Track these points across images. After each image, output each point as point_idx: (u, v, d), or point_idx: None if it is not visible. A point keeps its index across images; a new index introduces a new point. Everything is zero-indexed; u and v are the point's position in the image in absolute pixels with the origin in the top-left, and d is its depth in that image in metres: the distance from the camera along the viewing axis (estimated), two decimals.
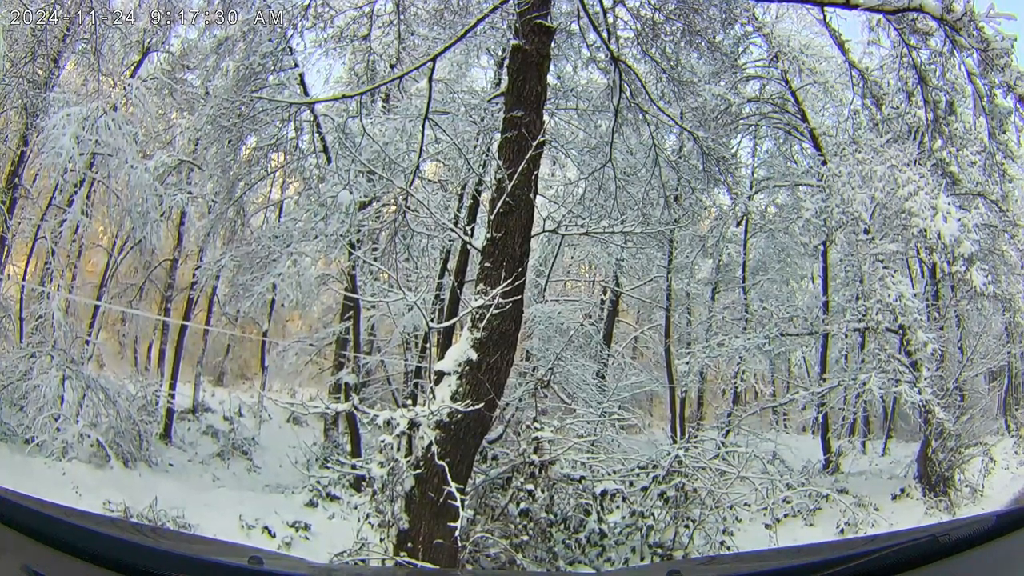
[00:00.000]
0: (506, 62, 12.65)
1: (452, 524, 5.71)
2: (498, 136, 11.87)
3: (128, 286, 16.35)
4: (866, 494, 10.18)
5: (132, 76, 13.22)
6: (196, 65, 13.81)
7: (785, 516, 8.90)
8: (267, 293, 11.93)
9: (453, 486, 5.58)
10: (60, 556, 1.69)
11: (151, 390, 12.83)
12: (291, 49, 10.94)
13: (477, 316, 6.06)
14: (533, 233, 6.42)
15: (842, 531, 9.06)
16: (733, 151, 12.29)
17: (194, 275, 15.01)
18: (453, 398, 6.06)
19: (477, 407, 5.90)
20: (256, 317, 16.58)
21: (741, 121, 13.00)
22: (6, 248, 13.31)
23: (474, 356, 6.12)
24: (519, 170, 6.12)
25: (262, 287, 11.63)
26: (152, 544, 1.92)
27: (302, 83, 12.16)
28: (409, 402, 7.00)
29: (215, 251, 14.18)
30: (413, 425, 6.09)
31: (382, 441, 6.12)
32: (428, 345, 7.86)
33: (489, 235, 6.26)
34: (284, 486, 11.43)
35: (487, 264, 6.25)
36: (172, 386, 14.37)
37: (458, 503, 5.54)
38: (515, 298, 6.07)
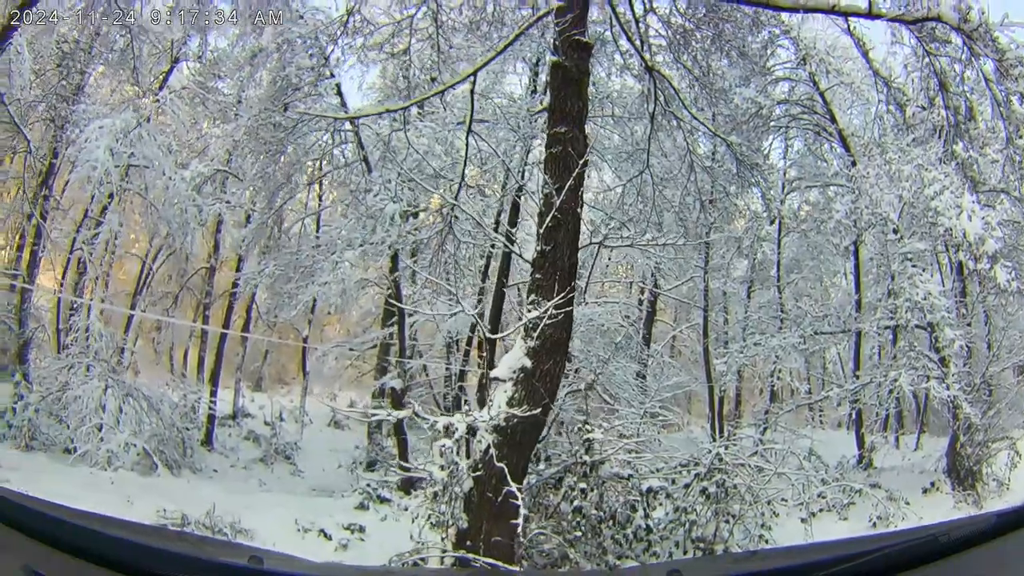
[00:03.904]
0: (540, 67, 13.23)
1: (514, 522, 6.33)
2: (536, 143, 12.49)
3: (164, 294, 17.03)
4: (898, 488, 10.46)
5: (162, 86, 13.83)
6: (227, 74, 14.38)
7: (820, 511, 9.26)
8: (310, 301, 12.56)
9: (514, 486, 6.17)
10: (60, 556, 1.75)
11: (194, 397, 13.53)
12: (327, 59, 11.51)
13: (530, 326, 6.65)
14: (580, 245, 7.01)
15: (874, 524, 9.42)
16: (765, 152, 12.96)
17: (235, 283, 15.54)
18: (509, 403, 6.59)
19: (534, 412, 6.51)
20: (295, 323, 17.04)
21: (771, 123, 13.44)
22: (39, 260, 14.09)
23: (528, 364, 6.66)
24: (567, 186, 6.72)
25: (307, 295, 12.19)
26: (152, 544, 1.95)
27: (339, 93, 12.59)
28: (467, 407, 7.53)
29: (254, 259, 14.87)
30: (471, 429, 6.70)
31: (442, 445, 6.73)
32: (485, 353, 8.42)
33: (539, 248, 6.76)
34: (331, 489, 11.98)
35: (538, 276, 6.77)
36: (213, 393, 14.98)
37: (519, 502, 6.14)
38: (567, 309, 6.66)
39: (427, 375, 16.00)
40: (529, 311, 6.68)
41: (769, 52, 12.21)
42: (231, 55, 14.02)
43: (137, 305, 15.45)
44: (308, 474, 14.26)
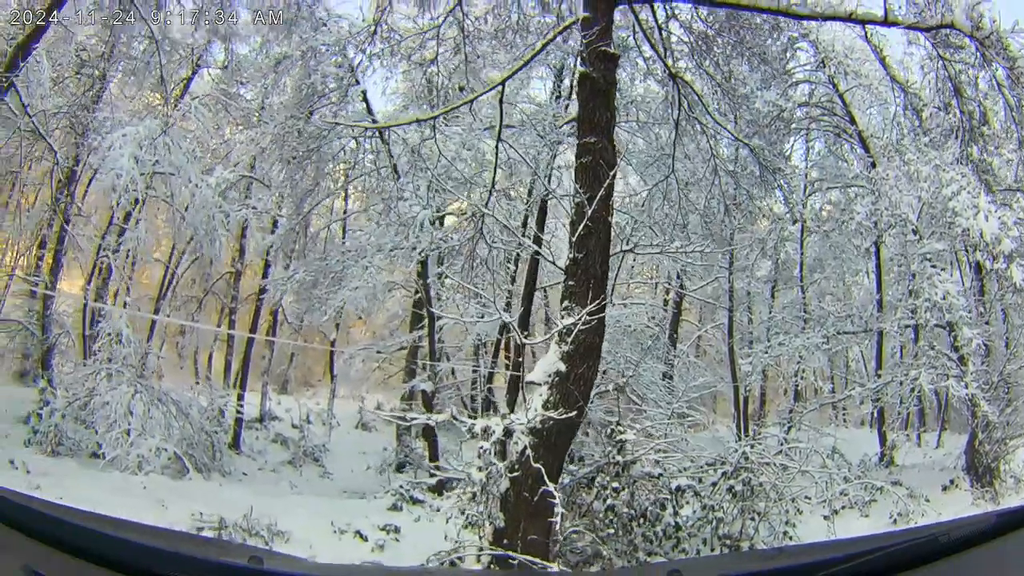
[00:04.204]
0: (564, 73, 13.52)
1: (552, 520, 6.71)
2: (562, 147, 12.82)
3: (188, 298, 17.42)
4: (918, 486, 10.76)
5: (183, 93, 14.25)
6: (249, 79, 14.70)
7: (843, 508, 9.40)
8: (343, 306, 12.90)
9: (551, 486, 6.52)
10: (60, 556, 1.76)
11: (221, 401, 13.93)
12: (352, 67, 11.82)
13: (564, 331, 7.02)
14: (611, 252, 7.36)
15: (895, 521, 9.62)
16: (787, 154, 13.30)
17: (262, 288, 15.86)
18: (545, 406, 6.96)
19: (570, 415, 6.88)
20: (321, 326, 17.21)
21: (792, 126, 13.63)
22: (61, 266, 14.48)
23: (563, 368, 7.01)
24: (598, 196, 7.08)
25: (339, 300, 12.55)
26: (152, 544, 1.98)
27: (365, 99, 12.95)
28: (503, 410, 7.89)
29: (280, 264, 15.25)
30: (508, 432, 7.07)
31: (480, 448, 7.12)
32: (513, 356, 8.74)
33: (572, 255, 7.10)
34: (362, 491, 12.33)
35: (571, 283, 7.09)
36: (240, 397, 15.28)
37: (557, 501, 6.50)
38: (600, 315, 7.03)
39: (455, 377, 16.45)
40: (563, 317, 7.04)
41: (789, 55, 12.55)
42: (254, 61, 14.37)
43: (161, 310, 15.83)
44: (337, 476, 14.61)
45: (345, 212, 18.05)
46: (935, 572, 1.79)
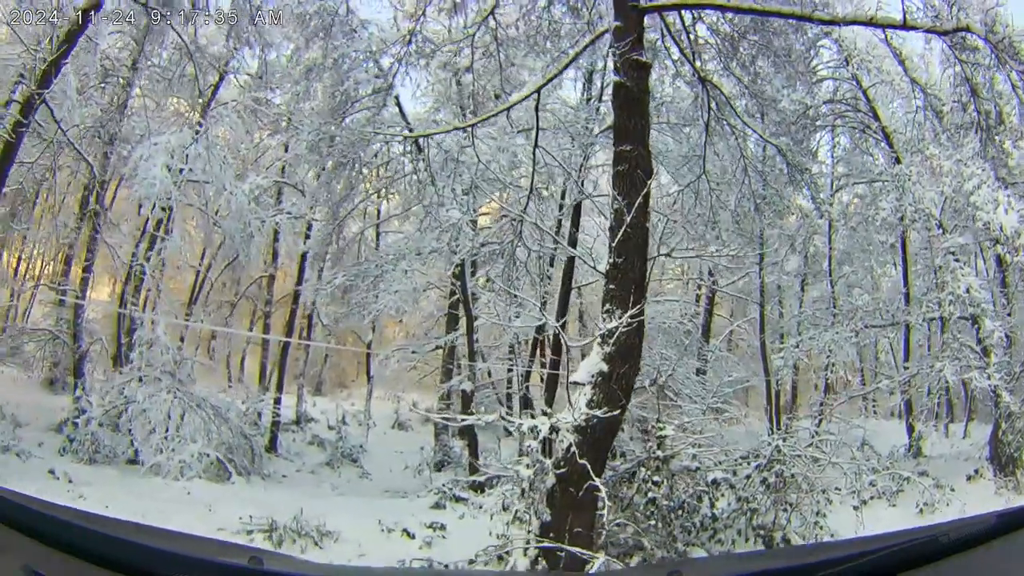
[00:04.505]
0: (594, 75, 13.88)
1: (598, 512, 7.18)
2: (594, 148, 13.17)
3: (221, 303, 17.90)
4: (944, 476, 11.10)
5: (211, 101, 14.50)
6: (277, 84, 14.93)
7: (871, 498, 9.93)
8: (385, 309, 13.34)
9: (598, 481, 7.00)
10: (60, 556, 1.77)
11: (261, 404, 14.36)
12: (382, 70, 12.17)
13: (607, 333, 7.46)
14: (649, 256, 7.77)
15: (920, 511, 10.05)
16: (813, 150, 13.85)
17: (297, 292, 16.39)
18: (589, 405, 7.44)
19: (613, 413, 7.33)
20: (355, 328, 17.83)
21: (818, 123, 14.16)
22: (91, 274, 14.91)
23: (605, 368, 7.41)
24: (636, 204, 7.50)
25: (379, 304, 13.00)
26: (152, 544, 1.99)
27: (398, 104, 13.30)
28: (544, 407, 8.32)
29: (314, 268, 15.71)
30: (554, 430, 7.54)
31: (528, 446, 7.57)
32: (550, 355, 9.14)
33: (612, 260, 7.46)
34: (402, 490, 12.63)
35: (612, 286, 7.46)
36: (277, 401, 15.72)
37: (603, 495, 6.97)
38: (640, 318, 7.46)
39: (490, 377, 16.86)
40: (604, 319, 7.49)
41: (812, 53, 12.91)
42: (281, 66, 14.71)
43: (193, 314, 16.28)
44: (375, 476, 14.94)
45: (379, 216, 18.38)
46: (936, 572, 1.81)
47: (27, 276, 16.87)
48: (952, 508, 9.77)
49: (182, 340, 15.54)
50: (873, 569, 1.80)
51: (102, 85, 14.17)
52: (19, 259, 16.78)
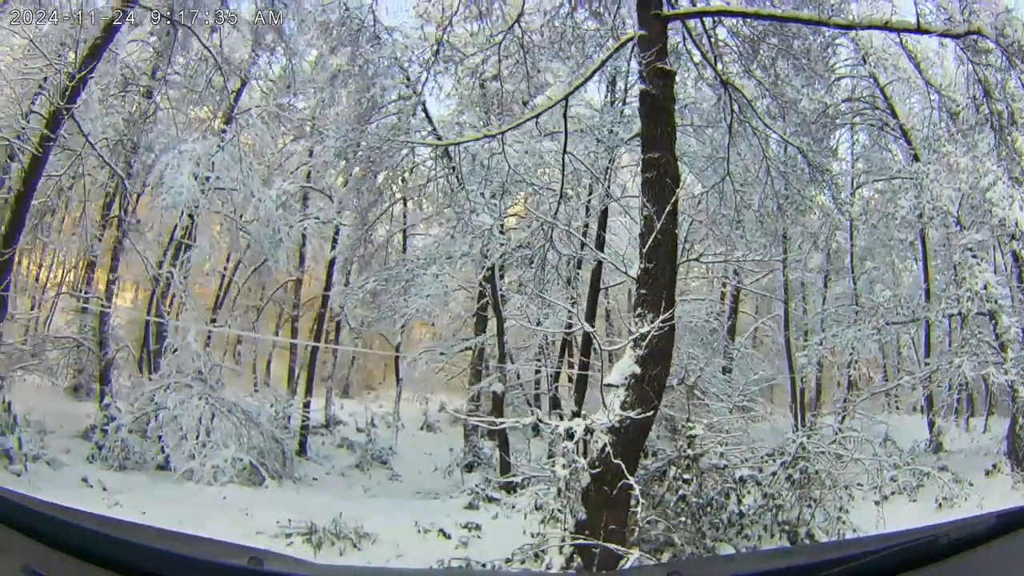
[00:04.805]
0: (617, 77, 14.24)
1: (632, 510, 7.59)
2: (619, 150, 13.52)
3: (247, 308, 18.27)
4: (963, 470, 11.32)
5: (233, 107, 14.74)
6: (300, 90, 15.28)
7: (892, 493, 10.31)
8: (416, 314, 13.76)
9: (632, 480, 7.40)
10: (60, 556, 1.79)
11: (290, 408, 14.76)
12: (410, 79, 12.52)
13: (639, 337, 7.87)
14: (679, 261, 8.16)
15: (940, 505, 10.40)
16: (833, 147, 14.18)
17: (325, 296, 16.69)
18: (622, 407, 7.85)
19: (646, 414, 7.74)
20: (383, 331, 18.16)
21: (838, 121, 14.39)
22: (116, 281, 15.33)
23: (638, 371, 7.76)
24: (665, 212, 7.90)
25: (411, 309, 13.44)
26: (152, 544, 2.01)
27: (425, 110, 13.55)
28: (574, 407, 8.72)
29: (343, 273, 16.10)
30: (588, 431, 7.96)
31: (564, 446, 7.99)
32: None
33: (643, 265, 7.79)
34: (434, 492, 12.94)
35: (643, 291, 7.76)
36: (307, 405, 16.06)
37: (637, 493, 7.38)
38: (671, 322, 7.87)
39: (519, 378, 17.13)
40: (636, 323, 7.89)
41: (830, 52, 13.26)
42: (305, 72, 15.02)
43: (219, 319, 16.71)
44: (405, 478, 15.28)
45: (405, 220, 18.69)
46: (936, 572, 1.83)
47: (47, 284, 17.27)
48: (970, 503, 10.10)
49: (207, 345, 15.88)
50: (873, 569, 1.83)
51: (122, 94, 14.45)
52: (39, 267, 17.17)
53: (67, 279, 16.90)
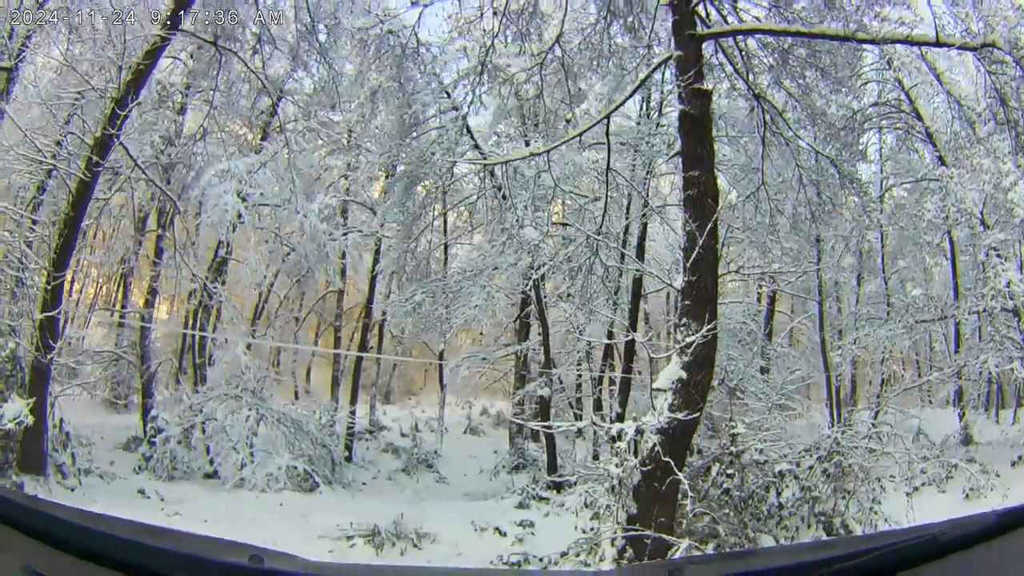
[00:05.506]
0: (652, 89, 15.12)
1: (680, 503, 8.59)
2: (658, 162, 14.38)
3: (288, 318, 19.31)
4: (991, 462, 12.04)
5: (269, 123, 15.58)
6: (341, 105, 15.94)
7: (922, 485, 11.11)
8: (465, 325, 14.70)
9: (681, 475, 8.38)
10: (60, 556, 1.83)
11: (336, 415, 15.56)
12: (448, 94, 13.31)
13: (685, 346, 8.85)
14: (720, 273, 9.07)
15: (967, 496, 11.18)
16: (862, 149, 14.79)
17: (368, 307, 17.61)
18: (670, 409, 8.81)
19: (693, 416, 8.73)
20: (426, 339, 19.09)
21: (865, 124, 15.06)
22: (157, 296, 16.21)
23: (683, 375, 8.59)
24: (707, 229, 8.85)
25: (461, 319, 14.42)
26: (152, 544, 2.03)
27: (466, 125, 14.32)
28: (620, 410, 9.58)
29: (387, 284, 16.96)
30: (639, 432, 8.96)
31: (616, 447, 8.99)
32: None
33: (687, 278, 8.59)
34: (482, 493, 13.72)
35: (687, 302, 8.51)
36: (352, 413, 16.85)
37: (687, 487, 8.35)
38: (714, 332, 8.82)
39: (561, 383, 17.83)
40: (680, 332, 8.86)
41: (856, 57, 14.10)
42: (344, 87, 15.49)
43: (258, 330, 17.62)
44: (452, 480, 16.05)
45: (445, 232, 19.42)
46: (935, 571, 1.86)
47: (79, 299, 18.16)
48: (996, 493, 10.87)
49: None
50: (874, 567, 1.86)
51: (155, 111, 15.24)
52: (70, 283, 18.11)
53: (100, 294, 17.83)
